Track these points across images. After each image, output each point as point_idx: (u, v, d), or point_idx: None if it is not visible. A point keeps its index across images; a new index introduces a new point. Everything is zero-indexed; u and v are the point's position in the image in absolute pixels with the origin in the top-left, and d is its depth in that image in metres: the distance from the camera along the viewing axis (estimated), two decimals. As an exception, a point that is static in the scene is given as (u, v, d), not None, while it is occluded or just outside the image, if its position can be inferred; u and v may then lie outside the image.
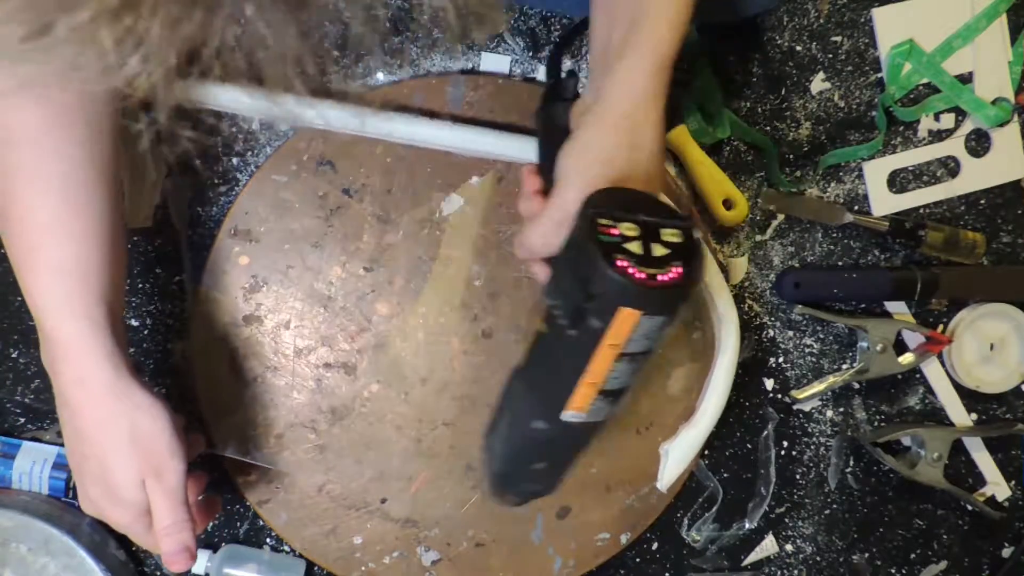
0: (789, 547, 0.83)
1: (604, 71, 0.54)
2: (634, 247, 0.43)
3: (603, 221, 0.44)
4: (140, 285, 0.74)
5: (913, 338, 0.82)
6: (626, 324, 0.43)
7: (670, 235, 0.45)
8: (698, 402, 0.75)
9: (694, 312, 0.76)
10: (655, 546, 0.81)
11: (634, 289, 0.42)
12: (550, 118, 0.60)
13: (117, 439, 0.54)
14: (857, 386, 0.83)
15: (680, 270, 0.44)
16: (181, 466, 0.56)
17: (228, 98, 0.68)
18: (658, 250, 0.44)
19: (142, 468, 0.55)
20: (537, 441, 0.51)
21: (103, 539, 0.73)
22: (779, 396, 0.82)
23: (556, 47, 0.70)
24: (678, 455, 0.74)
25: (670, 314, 0.44)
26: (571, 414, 0.49)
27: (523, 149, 0.72)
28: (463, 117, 0.72)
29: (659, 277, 0.43)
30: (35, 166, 0.51)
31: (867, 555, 0.84)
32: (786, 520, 0.83)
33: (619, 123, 0.52)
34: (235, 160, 0.73)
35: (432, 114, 0.72)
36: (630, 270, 0.42)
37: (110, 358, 0.54)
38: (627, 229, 0.44)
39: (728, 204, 0.77)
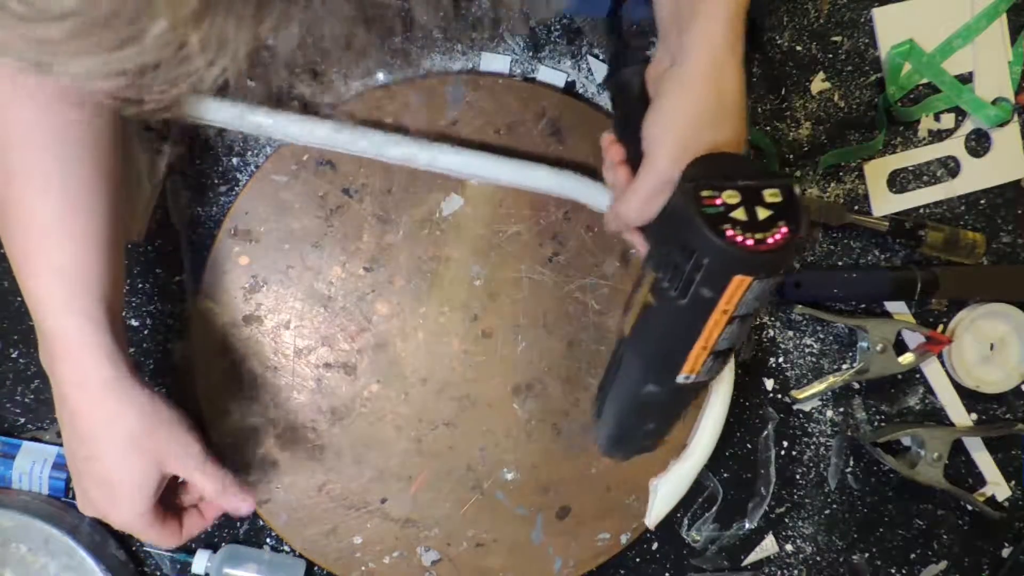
0: (789, 547, 0.83)
1: (678, 30, 0.52)
2: (739, 214, 0.44)
3: (705, 193, 0.44)
4: (140, 285, 0.74)
5: (913, 338, 0.82)
6: (739, 291, 0.44)
7: (771, 196, 0.45)
8: (689, 438, 0.76)
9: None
10: (655, 546, 0.81)
11: (745, 257, 0.43)
12: (624, 86, 0.58)
13: (119, 439, 0.54)
14: (857, 386, 0.83)
15: (785, 230, 0.44)
16: (198, 443, 0.57)
17: (227, 115, 0.68)
18: (762, 213, 0.44)
19: (152, 461, 0.55)
20: (649, 404, 0.53)
21: (103, 539, 0.73)
22: (779, 396, 0.82)
23: (615, 5, 0.66)
24: (667, 491, 0.75)
25: (780, 274, 0.45)
26: (684, 376, 0.50)
27: (492, 169, 0.72)
28: (452, 136, 0.73)
29: (767, 241, 0.43)
30: (35, 168, 0.51)
31: (867, 555, 0.84)
32: (786, 520, 0.83)
33: (703, 84, 0.51)
34: (235, 160, 0.73)
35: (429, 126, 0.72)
36: (738, 239, 0.43)
37: (110, 357, 0.54)
38: (729, 197, 0.44)
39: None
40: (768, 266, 0.44)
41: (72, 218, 0.52)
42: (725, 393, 0.75)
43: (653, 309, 0.48)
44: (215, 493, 0.58)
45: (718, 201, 0.44)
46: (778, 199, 0.45)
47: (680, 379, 0.50)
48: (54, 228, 0.52)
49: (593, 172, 0.74)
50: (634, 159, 0.54)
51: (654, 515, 0.75)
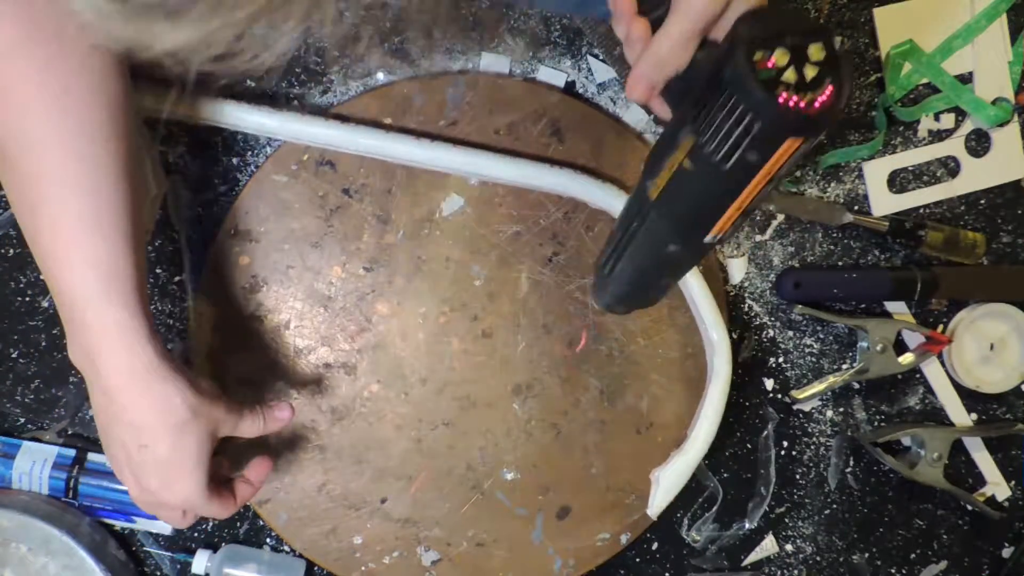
0: (789, 547, 0.83)
1: None
2: (789, 76, 0.43)
3: (758, 56, 0.43)
4: (140, 285, 0.74)
5: (913, 338, 0.82)
6: (787, 153, 0.44)
7: (816, 52, 0.44)
8: (689, 429, 0.76)
9: (687, 339, 0.76)
10: (655, 546, 0.81)
11: (798, 120, 0.43)
12: None
13: (175, 418, 0.55)
14: (857, 386, 0.83)
15: (831, 88, 0.43)
16: (226, 401, 0.59)
17: (233, 116, 0.68)
18: (809, 71, 0.43)
19: (207, 430, 0.57)
20: (669, 262, 0.54)
21: (103, 539, 0.73)
22: (779, 396, 0.82)
23: None
24: (669, 482, 0.75)
25: (824, 133, 0.45)
26: (711, 237, 0.50)
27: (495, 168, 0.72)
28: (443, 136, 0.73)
29: (816, 101, 0.43)
30: (63, 168, 0.51)
31: (867, 555, 0.84)
32: (786, 520, 0.83)
33: None
34: (235, 160, 0.73)
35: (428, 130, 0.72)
36: (791, 102, 0.42)
37: (151, 342, 0.55)
38: (779, 57, 0.43)
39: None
40: (818, 127, 0.44)
41: (102, 214, 0.53)
42: (723, 384, 0.75)
43: (689, 173, 0.47)
44: (264, 429, 0.61)
45: (770, 63, 0.43)
46: (822, 55, 0.44)
47: (707, 239, 0.51)
48: (86, 224, 0.52)
49: (594, 172, 0.74)
50: (649, 11, 0.51)
51: (656, 505, 0.75)
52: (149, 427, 0.55)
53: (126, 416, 0.55)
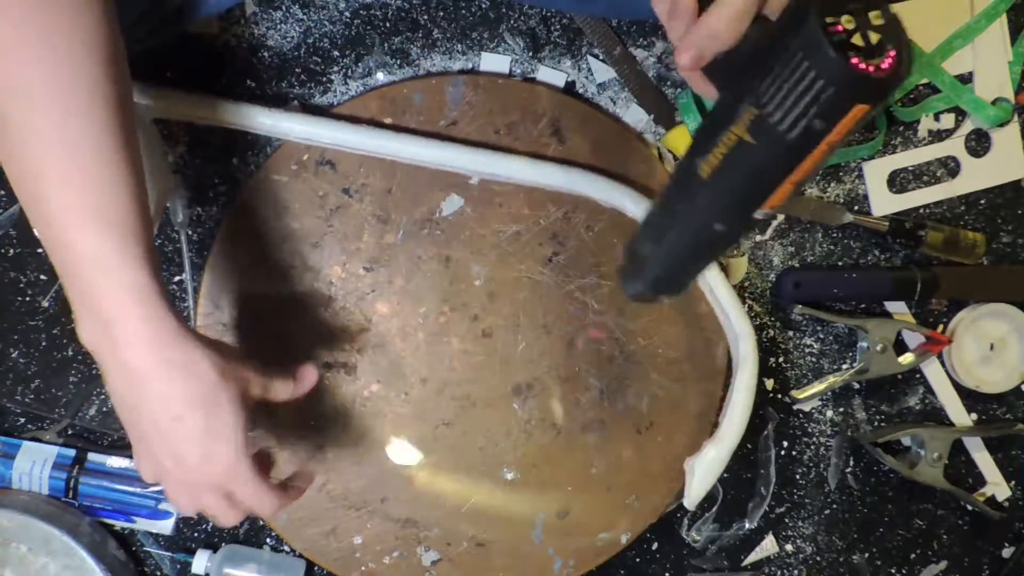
0: (789, 547, 0.83)
1: None
2: (857, 40, 0.43)
3: (829, 19, 0.43)
4: (140, 285, 0.73)
5: (913, 338, 0.82)
6: (854, 120, 0.44)
7: (876, 18, 0.44)
8: (721, 417, 0.76)
9: (687, 339, 0.76)
10: (655, 546, 0.81)
11: (868, 85, 0.43)
12: None
13: (207, 382, 0.52)
14: (857, 386, 0.83)
15: (894, 53, 0.44)
16: (259, 369, 0.57)
17: (231, 114, 0.68)
18: (873, 37, 0.44)
19: (238, 389, 0.54)
20: (711, 241, 0.53)
21: (103, 539, 0.74)
22: (779, 396, 0.82)
23: None
24: (704, 471, 0.74)
25: (888, 99, 0.45)
26: (762, 212, 0.50)
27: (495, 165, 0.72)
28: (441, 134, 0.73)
29: (883, 65, 0.43)
30: (63, 128, 0.49)
31: (867, 555, 0.84)
32: (786, 520, 0.83)
33: None
34: (235, 160, 0.73)
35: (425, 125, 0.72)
36: (861, 66, 0.42)
37: (173, 309, 0.52)
38: (847, 22, 0.43)
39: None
40: (884, 92, 0.44)
41: (109, 172, 0.50)
42: (752, 369, 0.75)
43: (749, 147, 0.47)
44: (295, 392, 0.59)
45: (839, 27, 0.43)
46: (882, 21, 0.44)
47: (758, 215, 0.50)
48: (94, 184, 0.49)
49: (594, 172, 0.74)
50: None
51: (693, 495, 0.74)
52: (179, 395, 0.51)
53: (153, 388, 0.51)
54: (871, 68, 0.43)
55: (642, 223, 0.57)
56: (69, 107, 0.49)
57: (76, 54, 0.49)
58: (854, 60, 0.42)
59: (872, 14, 0.44)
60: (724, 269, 0.79)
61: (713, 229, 0.52)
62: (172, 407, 0.52)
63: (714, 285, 0.75)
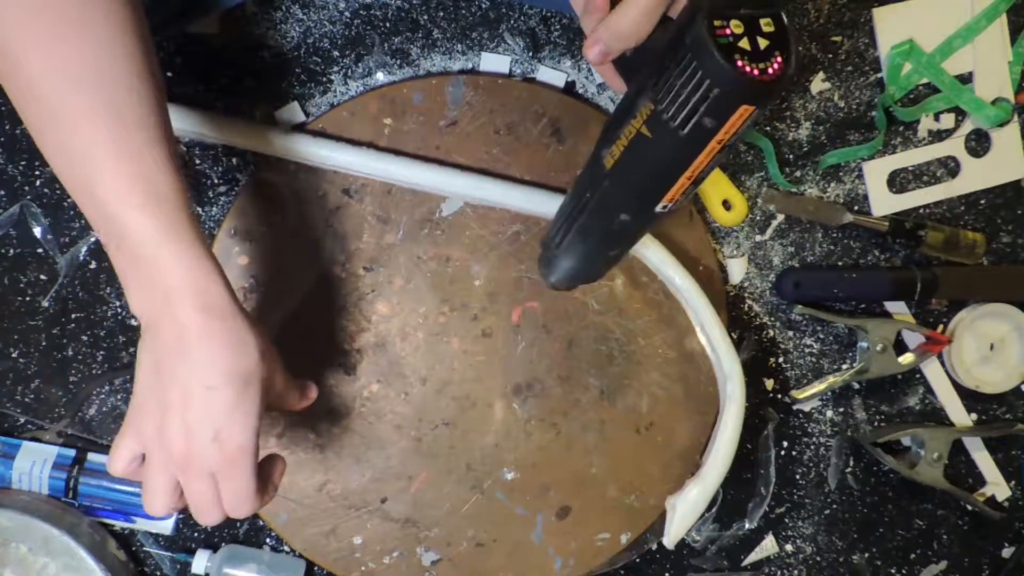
0: (789, 547, 0.83)
1: None
2: (744, 44, 0.45)
3: (717, 23, 0.45)
4: (140, 285, 0.74)
5: (913, 338, 0.82)
6: (740, 120, 0.47)
7: (766, 25, 0.46)
8: (704, 456, 0.76)
9: (687, 339, 0.76)
10: (655, 546, 0.81)
11: (753, 87, 0.45)
12: None
13: (249, 360, 0.52)
14: (857, 386, 0.83)
15: (781, 59, 0.46)
16: (289, 378, 0.58)
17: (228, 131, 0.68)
18: (762, 42, 0.46)
19: (266, 388, 0.54)
20: (620, 233, 0.56)
21: (103, 539, 0.74)
22: (779, 396, 0.82)
23: None
24: (685, 509, 0.74)
25: (773, 103, 0.47)
26: (662, 206, 0.52)
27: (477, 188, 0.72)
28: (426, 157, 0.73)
29: (768, 71, 0.45)
30: (107, 108, 0.50)
31: (867, 555, 0.84)
32: (786, 520, 0.83)
33: None
34: (235, 160, 0.73)
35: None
36: (747, 69, 0.45)
37: (226, 284, 0.53)
38: (736, 27, 0.45)
39: (727, 205, 0.77)
40: (769, 95, 0.46)
41: (156, 149, 0.51)
42: (738, 409, 0.75)
43: (646, 141, 0.49)
44: (298, 403, 0.60)
45: (727, 31, 0.45)
46: (772, 28, 0.46)
47: (658, 209, 0.53)
48: (144, 162, 0.50)
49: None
50: None
51: (672, 533, 0.74)
52: (220, 366, 0.51)
53: (198, 353, 0.51)
54: (756, 71, 0.45)
55: (556, 214, 0.59)
56: (112, 88, 0.49)
57: (114, 33, 0.50)
58: (739, 63, 0.44)
59: (763, 20, 0.46)
60: (723, 270, 0.79)
61: (619, 219, 0.54)
62: (210, 376, 0.51)
63: (705, 323, 0.75)
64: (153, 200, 0.50)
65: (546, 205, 0.72)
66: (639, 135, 0.49)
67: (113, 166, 0.50)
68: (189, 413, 0.52)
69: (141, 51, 0.51)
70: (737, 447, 0.75)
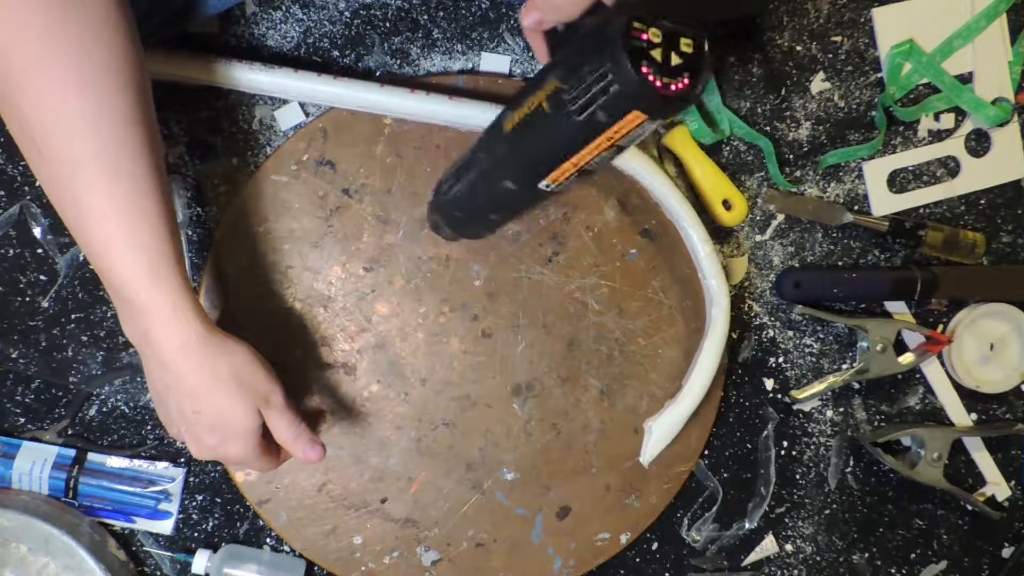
0: (789, 547, 0.83)
1: None
2: (656, 54, 0.46)
3: (636, 25, 0.46)
4: (140, 285, 0.74)
5: (913, 338, 0.82)
6: (631, 124, 0.47)
7: (685, 44, 0.47)
8: (684, 380, 0.76)
9: (687, 340, 0.76)
10: (655, 546, 0.81)
11: (651, 96, 0.46)
12: None
13: (228, 386, 0.58)
14: (857, 386, 0.83)
15: (688, 81, 0.46)
16: (280, 387, 0.61)
17: (243, 77, 0.68)
18: (675, 59, 0.46)
19: (253, 402, 0.59)
20: (502, 198, 0.56)
21: (103, 539, 0.74)
22: (779, 396, 0.82)
23: None
24: (661, 432, 0.75)
25: (667, 119, 0.48)
26: (545, 184, 0.53)
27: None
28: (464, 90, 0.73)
29: (672, 87, 0.46)
30: (105, 157, 0.53)
31: (867, 555, 0.84)
32: (786, 520, 0.83)
33: None
34: (235, 160, 0.73)
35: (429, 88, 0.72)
36: (650, 78, 0.45)
37: (199, 316, 0.57)
38: (654, 35, 0.46)
39: (727, 205, 0.77)
40: (665, 110, 0.47)
41: (143, 199, 0.54)
42: (720, 336, 0.75)
43: (544, 115, 0.50)
44: (289, 438, 0.62)
45: (644, 36, 0.46)
46: (690, 50, 0.47)
47: (541, 185, 0.53)
48: (129, 211, 0.54)
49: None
50: None
51: (648, 454, 0.76)
52: (203, 394, 0.58)
53: (180, 385, 0.58)
54: (659, 83, 0.45)
55: (454, 163, 0.60)
56: (109, 138, 0.53)
57: (113, 88, 0.53)
58: (644, 69, 0.45)
59: (684, 39, 0.47)
60: (723, 270, 0.79)
61: (503, 185, 0.55)
62: (194, 403, 0.58)
63: (699, 247, 0.74)
64: (134, 250, 0.54)
65: (476, 117, 0.71)
66: (539, 108, 0.50)
67: (99, 213, 0.53)
68: (190, 430, 0.60)
69: (139, 102, 0.54)
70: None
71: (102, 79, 0.52)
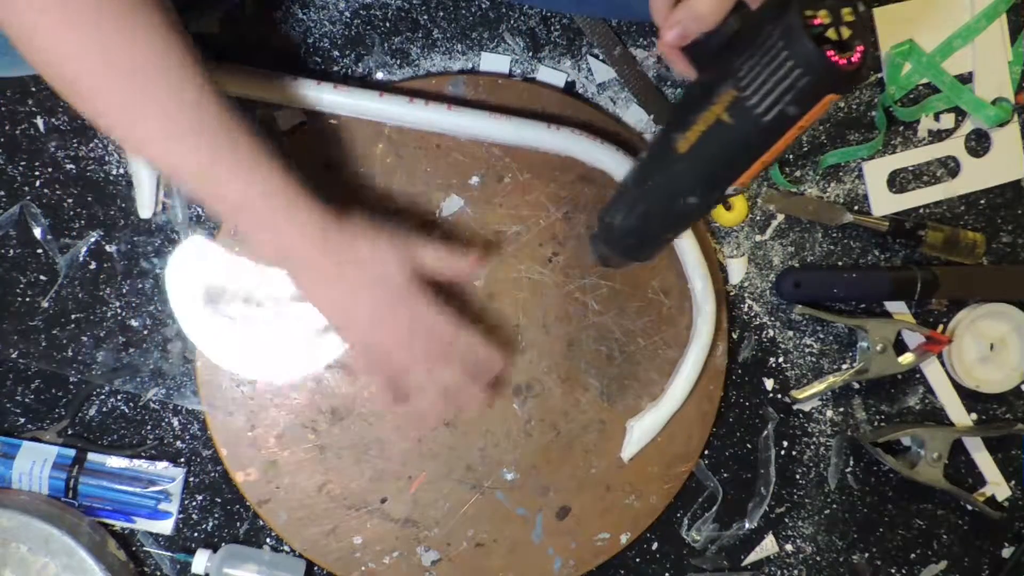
0: (789, 547, 0.83)
1: None
2: (831, 34, 0.46)
3: (808, 13, 0.46)
4: (139, 285, 0.74)
5: (913, 338, 0.82)
6: (824, 107, 0.47)
7: (847, 15, 0.47)
8: (667, 384, 0.76)
9: (686, 339, 0.76)
10: (655, 546, 0.81)
11: (841, 77, 0.46)
12: None
13: (386, 270, 0.61)
14: (857, 386, 0.83)
15: (862, 48, 0.46)
16: (435, 250, 0.64)
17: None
18: (844, 32, 0.46)
19: (416, 273, 0.62)
20: (683, 216, 0.57)
21: (103, 539, 0.74)
22: (779, 396, 0.82)
23: None
24: (641, 432, 0.76)
25: (854, 89, 0.49)
26: (734, 188, 0.54)
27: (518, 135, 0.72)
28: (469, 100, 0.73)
29: (852, 59, 0.46)
30: (187, 105, 0.54)
31: (867, 555, 0.84)
32: (786, 520, 0.83)
33: None
34: (235, 160, 0.73)
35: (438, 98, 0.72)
36: (836, 59, 0.45)
37: (336, 223, 0.59)
38: (824, 16, 0.46)
39: (727, 205, 0.77)
40: (852, 83, 0.47)
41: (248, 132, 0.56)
42: (703, 345, 0.76)
43: (725, 127, 0.50)
44: (446, 256, 0.64)
45: (817, 21, 0.46)
46: (852, 18, 0.47)
47: (730, 190, 0.54)
48: (256, 144, 0.56)
49: (595, 132, 0.74)
50: None
51: (628, 452, 0.76)
52: (382, 259, 0.60)
53: (334, 291, 0.60)
54: (843, 61, 0.45)
55: (616, 192, 0.60)
56: (192, 94, 0.53)
57: (156, 27, 0.52)
58: (829, 52, 0.45)
59: (844, 11, 0.47)
60: (723, 270, 0.79)
61: (687, 202, 0.55)
62: (377, 268, 0.60)
63: (687, 253, 0.75)
64: (251, 185, 0.56)
65: (540, 139, 0.73)
66: (719, 121, 0.50)
67: (227, 168, 0.55)
68: (397, 336, 0.62)
69: (174, 31, 0.54)
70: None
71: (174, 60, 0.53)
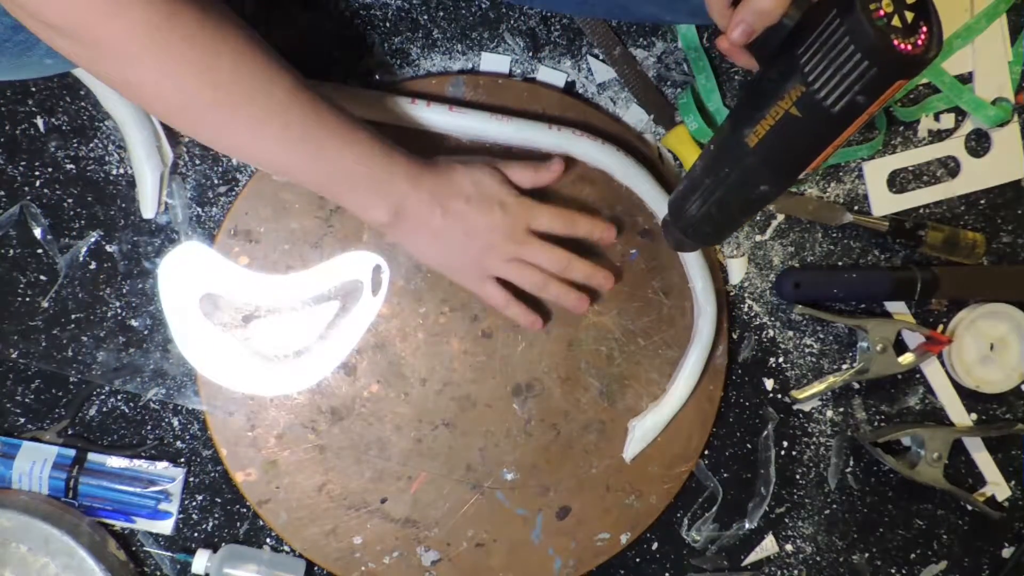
0: (789, 547, 0.83)
1: None
2: (896, 22, 0.47)
3: (872, 5, 0.46)
4: (140, 285, 0.74)
5: (913, 338, 0.82)
6: (891, 94, 0.48)
7: None
8: (668, 384, 0.76)
9: (687, 339, 0.76)
10: (655, 546, 0.81)
11: (910, 62, 0.46)
12: None
13: (495, 205, 0.67)
14: (857, 386, 0.83)
15: (926, 29, 0.47)
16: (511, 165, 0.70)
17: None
18: (908, 16, 0.47)
19: (502, 181, 0.69)
20: (756, 201, 0.58)
21: (103, 539, 0.74)
22: (779, 396, 0.82)
23: None
24: (643, 432, 0.76)
25: (923, 71, 0.50)
26: (804, 173, 0.55)
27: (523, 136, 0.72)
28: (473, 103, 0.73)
29: (918, 42, 0.47)
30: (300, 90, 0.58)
31: (867, 555, 0.84)
32: (786, 520, 0.83)
33: None
34: (235, 160, 0.73)
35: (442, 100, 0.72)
36: (901, 47, 0.46)
37: (417, 163, 0.65)
38: (886, 5, 0.47)
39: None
40: (920, 67, 0.48)
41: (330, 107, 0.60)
42: (704, 346, 0.76)
43: (794, 120, 0.51)
44: (531, 167, 0.70)
45: (881, 12, 0.46)
46: (914, 0, 0.48)
47: (800, 176, 0.55)
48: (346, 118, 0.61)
49: (595, 131, 0.74)
50: None
51: (630, 452, 0.77)
52: (488, 212, 0.67)
53: (467, 218, 0.66)
54: (909, 47, 0.46)
55: (686, 185, 0.62)
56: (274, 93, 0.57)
57: (243, 48, 0.55)
58: (895, 42, 0.46)
59: None
60: (723, 270, 0.79)
61: (759, 190, 0.56)
62: (483, 218, 0.67)
63: (687, 253, 0.75)
64: (385, 149, 0.62)
65: (541, 139, 0.73)
66: (788, 115, 0.51)
67: (336, 149, 0.60)
68: (483, 253, 0.68)
69: (259, 45, 0.57)
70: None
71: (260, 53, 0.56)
